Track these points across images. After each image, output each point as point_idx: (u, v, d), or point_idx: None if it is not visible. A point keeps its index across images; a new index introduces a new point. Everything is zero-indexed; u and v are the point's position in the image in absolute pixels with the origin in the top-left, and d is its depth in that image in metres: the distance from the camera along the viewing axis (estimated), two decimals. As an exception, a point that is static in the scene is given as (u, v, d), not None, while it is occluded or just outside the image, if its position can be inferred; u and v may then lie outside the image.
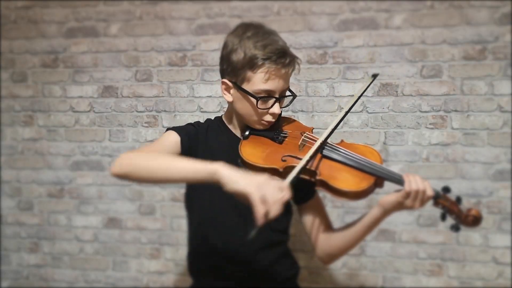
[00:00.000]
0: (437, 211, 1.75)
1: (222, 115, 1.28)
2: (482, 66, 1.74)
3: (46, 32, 1.99)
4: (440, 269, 1.81)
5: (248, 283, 1.19)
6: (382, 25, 1.78)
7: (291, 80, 1.18)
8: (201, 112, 1.89)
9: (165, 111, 1.92)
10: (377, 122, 1.80)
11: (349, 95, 1.80)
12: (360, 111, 1.81)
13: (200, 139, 1.19)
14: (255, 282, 1.19)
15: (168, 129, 1.20)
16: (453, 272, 1.81)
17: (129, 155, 1.06)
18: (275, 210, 0.91)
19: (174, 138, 1.17)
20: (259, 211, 0.89)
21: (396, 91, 1.79)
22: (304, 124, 1.28)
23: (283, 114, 1.25)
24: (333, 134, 1.13)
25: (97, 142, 1.98)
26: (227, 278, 1.20)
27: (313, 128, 1.24)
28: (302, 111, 1.83)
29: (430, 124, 1.78)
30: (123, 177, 1.05)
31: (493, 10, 1.72)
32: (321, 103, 1.82)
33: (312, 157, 1.09)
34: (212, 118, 1.29)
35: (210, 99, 1.88)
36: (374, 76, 1.27)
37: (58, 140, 2.01)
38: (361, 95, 1.22)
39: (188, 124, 1.24)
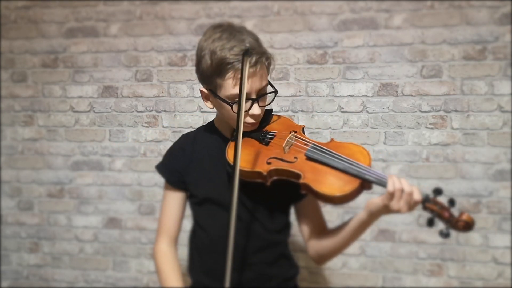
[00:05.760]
0: (437, 211, 1.76)
1: (213, 119, 1.28)
2: (482, 66, 1.74)
3: (46, 32, 1.99)
4: (440, 269, 1.81)
5: (246, 284, 1.19)
6: (382, 25, 1.78)
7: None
8: (201, 112, 1.89)
9: (165, 111, 1.92)
10: (377, 122, 1.80)
11: (349, 95, 1.80)
12: (360, 111, 1.81)
13: (186, 154, 1.20)
14: (253, 283, 1.19)
15: (156, 166, 1.24)
16: (453, 272, 1.81)
17: None
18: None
19: (170, 194, 1.22)
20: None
21: (396, 91, 1.79)
22: (303, 124, 1.26)
23: (283, 114, 1.25)
24: (330, 134, 1.10)
25: (97, 142, 1.98)
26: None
27: (304, 127, 1.18)
28: (302, 111, 1.82)
29: (430, 124, 1.78)
30: None
31: (493, 10, 1.72)
32: (321, 103, 1.82)
33: None
34: (206, 124, 1.30)
35: (210, 99, 1.88)
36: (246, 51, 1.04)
37: (58, 140, 2.01)
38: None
39: (169, 150, 1.25)
